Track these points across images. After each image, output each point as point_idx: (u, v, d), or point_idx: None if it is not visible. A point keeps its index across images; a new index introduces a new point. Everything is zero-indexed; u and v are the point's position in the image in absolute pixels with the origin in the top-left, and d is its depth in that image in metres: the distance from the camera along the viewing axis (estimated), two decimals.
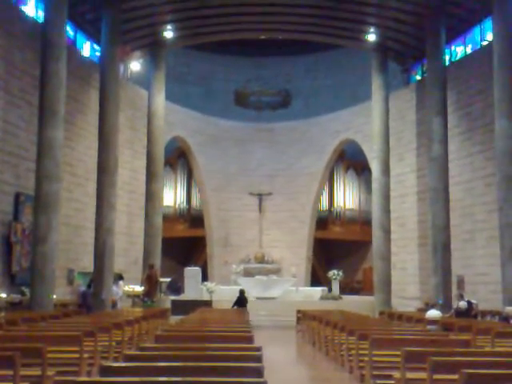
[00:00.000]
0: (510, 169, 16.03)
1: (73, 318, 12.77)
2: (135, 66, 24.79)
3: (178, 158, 29.97)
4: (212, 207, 29.62)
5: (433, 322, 13.05)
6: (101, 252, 18.56)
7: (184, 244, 30.46)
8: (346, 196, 30.51)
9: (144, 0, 20.65)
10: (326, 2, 21.30)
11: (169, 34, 23.29)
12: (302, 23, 23.24)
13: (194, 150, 28.81)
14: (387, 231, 23.43)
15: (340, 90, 29.18)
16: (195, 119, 28.76)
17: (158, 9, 21.47)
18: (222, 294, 22.80)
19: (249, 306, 18.92)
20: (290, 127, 30.13)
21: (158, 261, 22.66)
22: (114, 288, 19.18)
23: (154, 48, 23.84)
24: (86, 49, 21.68)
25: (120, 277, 20.15)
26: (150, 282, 19.48)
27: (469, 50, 21.26)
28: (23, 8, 17.87)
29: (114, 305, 18.93)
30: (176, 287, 23.58)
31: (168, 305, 20.30)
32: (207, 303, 20.55)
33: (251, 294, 23.39)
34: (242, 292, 19.01)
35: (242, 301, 18.56)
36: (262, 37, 25.61)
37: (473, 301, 15.40)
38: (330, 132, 28.92)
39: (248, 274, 26.73)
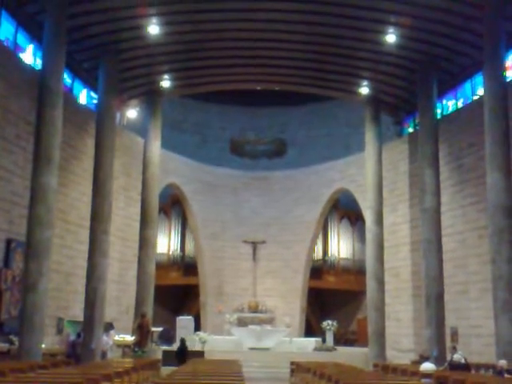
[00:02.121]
0: (501, 221, 16.12)
1: (61, 368, 12.55)
2: (132, 113, 25.18)
3: (173, 205, 30.05)
4: (206, 255, 29.52)
5: (427, 375, 12.87)
6: (91, 300, 18.37)
7: (177, 292, 30.20)
8: (341, 245, 30.52)
9: (141, 50, 21.11)
10: (321, 56, 21.84)
11: (166, 83, 23.74)
12: (297, 75, 23.78)
13: (188, 198, 28.94)
14: (381, 281, 23.34)
15: (334, 141, 29.61)
16: (190, 167, 29.03)
17: (155, 59, 21.96)
18: (215, 344, 22.55)
19: (243, 356, 18.61)
20: (285, 176, 30.41)
21: (150, 309, 22.37)
22: (105, 337, 18.91)
23: (150, 96, 24.26)
24: (83, 96, 22.03)
25: (111, 326, 19.89)
26: (142, 331, 19.15)
27: (460, 104, 21.73)
28: (21, 55, 18.17)
29: (104, 355, 18.63)
30: (168, 337, 23.22)
31: (159, 355, 19.96)
32: (200, 354, 20.23)
33: (245, 345, 23.14)
34: (182, 341, 18.34)
35: (182, 352, 17.88)
36: (258, 88, 26.13)
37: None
38: (324, 181, 29.19)
39: (241, 323, 26.44)
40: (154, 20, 19.04)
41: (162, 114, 24.76)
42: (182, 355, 17.70)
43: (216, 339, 23.38)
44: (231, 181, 30.52)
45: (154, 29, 19.34)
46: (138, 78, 23.23)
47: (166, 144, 25.74)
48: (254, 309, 28.75)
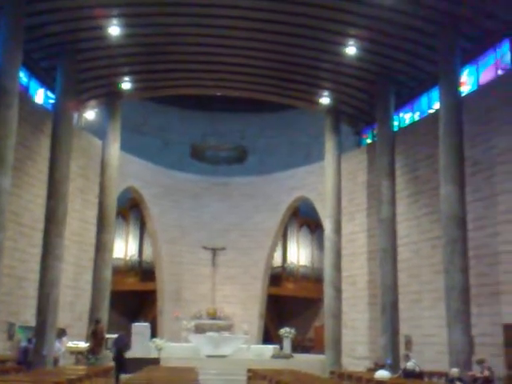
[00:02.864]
0: (454, 232, 16.54)
1: (12, 375, 12.26)
2: (90, 114, 24.85)
3: (131, 208, 29.67)
4: (164, 260, 29.27)
5: (382, 382, 13.09)
6: (44, 305, 17.96)
7: (134, 298, 29.79)
8: (300, 253, 30.74)
9: (101, 51, 20.84)
10: (283, 65, 22.02)
11: (126, 85, 23.48)
12: (259, 83, 23.91)
13: (147, 202, 28.67)
14: (338, 289, 23.61)
15: (295, 149, 29.85)
16: (150, 170, 28.78)
17: (115, 60, 21.71)
18: (172, 351, 22.36)
19: (199, 364, 18.47)
20: (246, 182, 30.48)
21: (105, 315, 22.03)
22: (57, 344, 18.52)
23: (109, 98, 23.96)
24: (40, 96, 21.59)
25: (63, 332, 19.48)
26: (96, 337, 18.84)
27: (416, 117, 22.22)
28: None
29: (56, 362, 18.24)
30: (123, 344, 22.85)
31: (113, 362, 19.65)
32: (155, 361, 20.02)
33: (202, 352, 23.00)
34: (118, 348, 17.26)
35: (118, 360, 17.05)
36: (218, 94, 26.16)
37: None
38: (284, 189, 29.38)
39: (199, 330, 26.29)
40: (115, 21, 18.82)
41: (122, 116, 24.48)
42: (119, 363, 16.99)
43: (173, 346, 23.19)
44: (191, 186, 30.40)
45: (114, 30, 19.10)
46: (97, 79, 22.91)
47: (126, 147, 25.46)
48: (213, 315, 28.61)
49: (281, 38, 20.08)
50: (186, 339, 24.52)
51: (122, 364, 17.12)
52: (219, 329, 26.07)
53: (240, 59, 22.02)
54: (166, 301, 29.02)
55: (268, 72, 22.81)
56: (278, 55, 21.33)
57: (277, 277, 30.56)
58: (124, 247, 29.37)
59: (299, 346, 27.76)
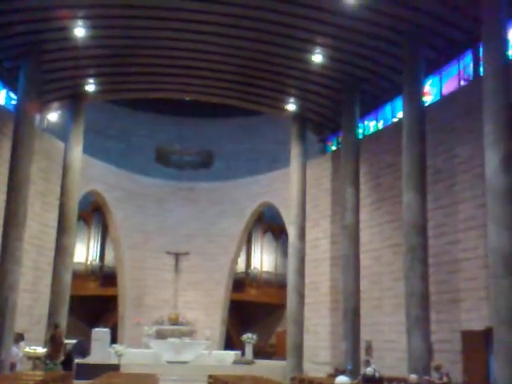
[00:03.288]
0: (415, 240, 16.79)
1: None
2: (53, 116, 24.41)
3: (93, 212, 29.24)
4: (126, 265, 28.88)
5: None
6: (1, 309, 17.44)
7: (94, 303, 29.27)
8: (264, 258, 30.78)
9: (66, 53, 20.49)
10: (250, 71, 22.07)
11: (90, 87, 23.16)
12: (225, 88, 23.90)
13: (110, 206, 28.28)
14: (301, 295, 23.71)
15: (261, 155, 29.92)
16: (114, 174, 28.40)
17: (80, 62, 21.40)
18: (133, 357, 22.07)
19: (160, 370, 18.31)
20: (211, 188, 30.39)
21: (64, 320, 21.56)
22: (14, 349, 18.04)
23: (73, 100, 23.55)
24: (2, 96, 21.10)
25: (21, 337, 19.01)
26: (54, 343, 18.42)
27: (380, 126, 22.54)
28: None
29: (14, 367, 17.77)
30: (82, 349, 22.48)
31: (72, 368, 19.28)
32: (115, 367, 19.72)
33: (163, 358, 22.77)
34: (68, 353, 17.77)
35: (66, 363, 17.46)
36: (186, 98, 26.06)
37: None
38: (249, 195, 29.40)
39: (161, 335, 26.01)
40: (81, 22, 18.56)
41: (86, 118, 24.11)
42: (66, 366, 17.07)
43: (133, 352, 22.89)
44: (156, 190, 30.14)
45: (80, 31, 18.83)
46: (61, 81, 22.51)
47: (89, 150, 25.10)
48: (175, 321, 28.35)
49: (248, 43, 20.13)
50: (146, 345, 24.25)
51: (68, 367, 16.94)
52: (181, 334, 25.87)
53: (207, 64, 21.97)
54: (128, 306, 28.63)
55: (235, 77, 22.83)
56: (246, 61, 21.37)
57: (240, 282, 30.53)
58: (85, 251, 28.92)
59: (261, 352, 27.74)
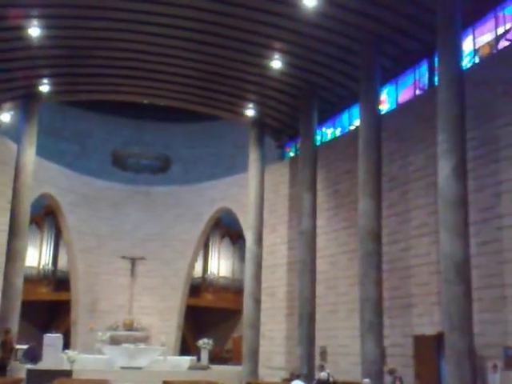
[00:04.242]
0: (370, 246, 17.04)
1: None
2: (5, 117, 23.77)
3: (46, 216, 28.57)
4: (80, 270, 28.30)
5: None
6: None
7: (46, 308, 28.63)
8: (221, 263, 30.70)
9: (19, 53, 20.01)
10: (209, 75, 22.03)
11: (44, 88, 22.66)
12: (184, 92, 23.77)
13: (64, 209, 27.68)
14: (258, 300, 23.72)
15: (219, 160, 29.85)
16: (67, 177, 27.82)
17: (34, 62, 20.92)
18: (85, 363, 21.62)
19: (114, 376, 18.00)
20: (168, 192, 30.13)
21: (15, 326, 20.98)
22: None
23: (27, 101, 22.99)
24: None
25: None
26: (5, 348, 17.97)
27: (338, 133, 22.84)
28: None
29: None
30: (33, 355, 21.90)
31: (23, 374, 18.75)
32: (67, 373, 19.28)
33: (117, 364, 22.41)
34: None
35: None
36: (144, 101, 25.80)
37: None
38: (207, 199, 29.28)
39: (115, 341, 25.59)
40: (36, 22, 18.16)
41: (40, 120, 23.57)
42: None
43: (86, 358, 22.44)
44: (111, 194, 29.67)
45: (35, 31, 18.43)
46: (14, 81, 21.94)
47: (42, 152, 24.48)
48: (129, 327, 27.93)
49: (208, 48, 20.09)
50: (100, 351, 23.81)
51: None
52: (135, 340, 25.51)
53: (166, 67, 21.82)
54: (81, 311, 28.06)
55: (194, 82, 22.74)
56: (205, 65, 21.32)
57: (197, 287, 30.37)
58: (37, 256, 28.26)
59: (217, 358, 27.60)
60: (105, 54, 21.05)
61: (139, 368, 22.34)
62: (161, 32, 19.40)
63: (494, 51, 16.12)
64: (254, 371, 22.76)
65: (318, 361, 19.72)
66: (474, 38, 16.82)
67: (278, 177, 25.24)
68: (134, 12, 18.37)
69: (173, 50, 20.45)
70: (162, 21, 18.76)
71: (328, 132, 23.42)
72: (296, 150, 24.80)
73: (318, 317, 20.23)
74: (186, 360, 24.23)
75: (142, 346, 24.66)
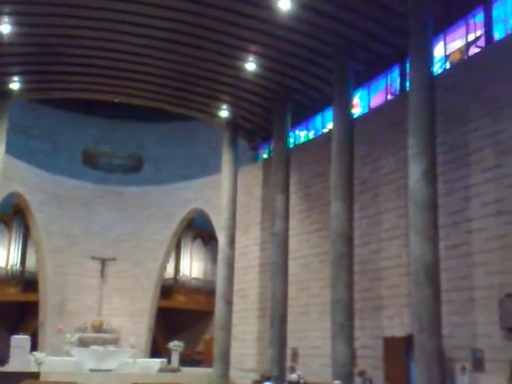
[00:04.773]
0: (341, 248, 17.15)
1: None
2: None
3: (15, 215, 28.14)
4: (49, 270, 27.85)
5: None
6: None
7: (14, 309, 28.14)
8: (193, 265, 30.62)
9: None
10: (183, 76, 21.92)
11: (15, 85, 22.27)
12: (158, 92, 23.61)
13: (33, 208, 27.21)
14: (230, 302, 23.68)
15: (192, 160, 29.72)
16: (37, 176, 27.37)
17: (4, 59, 20.54)
18: (54, 365, 21.29)
19: (82, 378, 17.76)
20: (140, 192, 29.88)
21: None
22: None
23: None
24: None
25: None
26: None
27: (311, 136, 22.95)
28: None
29: None
30: (0, 357, 21.50)
31: None
32: (34, 375, 18.96)
33: (86, 366, 22.12)
34: None
35: None
36: (115, 100, 25.54)
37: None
38: (179, 200, 29.12)
39: (83, 343, 25.32)
40: (7, 19, 17.83)
41: (10, 117, 23.16)
42: None
43: (54, 360, 22.10)
44: (82, 193, 29.31)
45: (5, 28, 18.11)
46: None
47: (12, 150, 24.06)
48: (98, 328, 27.66)
49: (183, 48, 19.99)
50: (68, 353, 23.49)
51: None
52: (104, 342, 25.24)
53: (140, 67, 21.63)
54: (49, 313, 27.62)
55: (168, 82, 22.60)
56: (179, 65, 21.21)
57: (168, 289, 30.17)
58: (5, 256, 27.80)
59: (188, 360, 27.48)
60: (77, 52, 20.77)
61: (108, 370, 22.11)
62: (135, 31, 19.25)
63: (465, 57, 16.41)
64: (225, 373, 22.71)
65: (289, 362, 19.76)
66: (445, 44, 17.09)
67: (251, 178, 25.26)
68: (108, 10, 18.19)
69: (147, 49, 20.30)
70: (136, 20, 18.60)
71: (301, 135, 23.53)
72: (269, 152, 24.85)
73: (289, 318, 20.28)
74: (157, 362, 24.04)
75: (111, 348, 24.46)
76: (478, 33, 16.04)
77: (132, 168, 30.84)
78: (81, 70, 22.16)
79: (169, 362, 24.40)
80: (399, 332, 16.61)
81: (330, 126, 20.77)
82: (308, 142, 22.84)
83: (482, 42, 15.91)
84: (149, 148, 30.79)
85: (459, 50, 16.67)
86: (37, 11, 18.14)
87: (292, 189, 21.67)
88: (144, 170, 30.84)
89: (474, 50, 16.12)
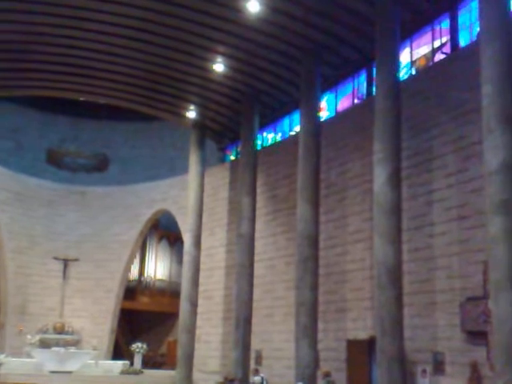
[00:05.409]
0: (307, 251, 17.19)
1: None
2: None
3: None
4: (9, 271, 27.19)
5: None
6: None
7: None
8: (158, 266, 30.33)
9: None
10: (151, 75, 21.70)
11: None
12: (125, 91, 23.31)
13: None
14: (194, 304, 23.54)
15: (159, 161, 29.41)
16: (0, 174, 26.71)
17: None
18: (13, 366, 21.00)
19: (43, 380, 17.44)
20: (105, 192, 29.45)
21: None
22: None
23: None
24: None
25: None
26: None
27: (279, 138, 22.99)
28: None
29: None
30: None
31: None
32: None
33: (46, 368, 21.77)
34: None
35: None
36: (82, 99, 25.15)
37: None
38: (145, 201, 28.80)
39: (44, 345, 24.92)
40: None
41: None
42: None
43: (14, 361, 21.80)
44: (45, 193, 28.73)
45: None
46: None
47: None
48: (60, 330, 27.21)
49: (150, 48, 19.78)
50: (29, 354, 23.08)
51: None
52: (66, 344, 24.86)
53: (107, 65, 21.33)
54: (10, 314, 26.99)
55: (135, 81, 22.34)
56: (147, 65, 20.98)
57: (132, 290, 29.81)
58: None
59: (151, 362, 27.23)
60: (43, 50, 20.36)
61: (69, 372, 21.85)
62: (102, 29, 18.98)
63: (430, 64, 16.66)
64: (188, 375, 22.57)
65: (252, 364, 19.73)
66: (411, 50, 17.32)
67: (219, 180, 25.17)
68: (75, 8, 17.86)
69: (113, 47, 20.01)
70: (102, 18, 18.32)
71: (269, 137, 23.55)
72: (237, 154, 24.81)
73: (254, 320, 20.25)
74: (119, 364, 23.80)
75: (72, 349, 24.10)
76: (444, 39, 16.30)
77: (97, 168, 30.35)
78: (47, 68, 21.76)
79: (131, 364, 24.14)
80: (362, 335, 16.74)
81: (297, 128, 20.83)
82: (275, 145, 22.87)
83: (447, 49, 16.17)
84: (115, 148, 30.36)
85: (425, 56, 16.92)
86: (1, 7, 17.69)
87: (259, 191, 21.66)
88: (110, 169, 30.37)
89: (439, 57, 16.37)
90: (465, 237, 14.14)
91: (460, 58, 15.36)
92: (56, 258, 28.32)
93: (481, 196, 12.99)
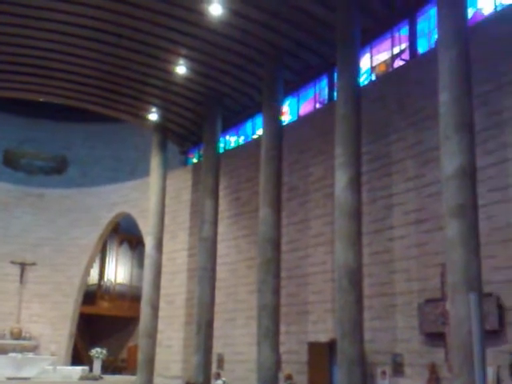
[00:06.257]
0: (269, 254, 17.24)
1: None
2: None
3: None
4: None
5: None
6: None
7: None
8: (118, 270, 29.95)
9: None
10: (112, 77, 21.42)
11: None
12: (85, 92, 22.94)
13: None
14: (156, 308, 23.28)
15: (120, 163, 29.07)
16: None
17: None
18: None
19: None
20: (63, 195, 28.92)
21: None
22: None
23: None
24: None
25: None
26: None
27: (241, 141, 23.01)
28: None
29: None
30: None
31: None
32: None
33: (2, 374, 21.25)
34: None
35: None
36: (40, 99, 24.62)
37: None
38: (105, 204, 28.40)
39: (1, 350, 24.38)
40: None
41: None
42: None
43: None
44: (1, 195, 28.06)
45: None
46: None
47: None
48: (17, 335, 26.61)
49: (111, 49, 19.53)
50: None
51: None
52: (23, 349, 24.34)
53: (66, 66, 20.96)
54: None
55: (95, 82, 22.01)
56: (108, 66, 20.71)
57: (92, 295, 29.34)
58: None
59: (111, 367, 26.86)
60: (0, 50, 19.88)
61: (26, 378, 21.45)
62: (61, 29, 18.64)
63: (390, 70, 16.95)
64: (149, 380, 22.31)
65: (214, 368, 19.66)
66: (371, 56, 17.57)
67: (181, 183, 25.01)
68: (32, 8, 17.51)
69: (73, 48, 19.68)
70: (63, 18, 18.00)
71: (231, 140, 23.54)
72: (199, 157, 24.71)
73: (216, 324, 20.19)
74: (78, 370, 23.39)
75: (30, 355, 23.62)
76: (403, 46, 16.61)
77: (55, 169, 29.75)
78: (2, 68, 21.23)
79: (91, 369, 23.74)
80: (323, 337, 16.88)
81: (259, 132, 20.89)
82: (238, 148, 22.88)
83: (406, 56, 16.47)
84: (75, 149, 29.84)
85: (385, 62, 17.20)
86: None
87: (221, 194, 21.63)
88: (69, 171, 29.82)
89: (398, 63, 16.66)
90: (423, 240, 14.42)
91: (418, 65, 15.68)
92: (13, 262, 27.68)
93: (438, 200, 13.24)
